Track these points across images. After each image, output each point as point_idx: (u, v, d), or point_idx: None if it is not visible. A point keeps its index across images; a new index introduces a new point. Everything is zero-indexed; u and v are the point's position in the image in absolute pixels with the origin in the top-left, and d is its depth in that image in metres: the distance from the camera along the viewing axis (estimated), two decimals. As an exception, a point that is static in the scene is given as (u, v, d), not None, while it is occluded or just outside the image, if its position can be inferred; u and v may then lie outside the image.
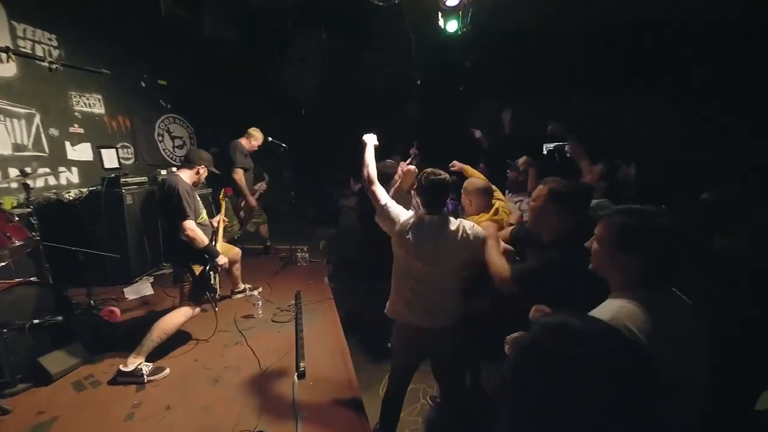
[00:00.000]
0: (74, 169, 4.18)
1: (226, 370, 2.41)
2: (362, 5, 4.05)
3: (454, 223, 1.92)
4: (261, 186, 4.94)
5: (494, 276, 1.74)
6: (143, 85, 5.06)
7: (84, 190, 3.98)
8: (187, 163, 2.66)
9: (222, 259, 2.65)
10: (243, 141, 4.31)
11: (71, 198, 3.97)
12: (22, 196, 3.26)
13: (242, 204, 4.39)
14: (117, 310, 3.11)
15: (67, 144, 4.12)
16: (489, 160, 4.06)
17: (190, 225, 2.42)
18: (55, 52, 4.01)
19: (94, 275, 3.52)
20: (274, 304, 3.35)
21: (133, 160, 4.96)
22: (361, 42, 5.65)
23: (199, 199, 2.71)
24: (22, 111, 3.70)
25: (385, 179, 3.13)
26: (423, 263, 1.89)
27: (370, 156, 2.14)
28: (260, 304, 3.12)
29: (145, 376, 2.26)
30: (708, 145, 4.30)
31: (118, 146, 4.72)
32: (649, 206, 1.12)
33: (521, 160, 3.22)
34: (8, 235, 2.52)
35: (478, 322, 2.14)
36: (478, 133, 4.18)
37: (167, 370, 2.36)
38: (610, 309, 1.07)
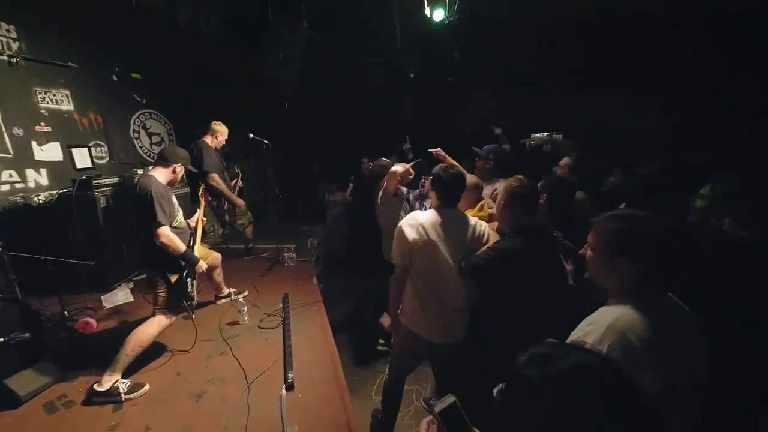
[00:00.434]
0: (43, 171, 3.93)
1: (209, 383, 2.29)
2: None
3: (472, 219, 1.95)
4: (237, 183, 4.57)
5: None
6: (115, 79, 4.78)
7: (54, 192, 3.75)
8: (162, 161, 2.48)
9: (201, 266, 2.51)
10: (208, 139, 3.93)
11: (41, 201, 3.76)
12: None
13: (225, 207, 4.18)
14: (93, 321, 2.94)
15: (34, 144, 3.86)
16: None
17: (164, 231, 2.27)
18: (15, 45, 3.72)
19: (68, 283, 3.33)
20: (261, 308, 3.22)
21: (107, 159, 4.71)
22: (347, 33, 5.46)
23: (175, 200, 2.56)
24: (-21, 109, 3.44)
25: (378, 179, 3.03)
26: (450, 257, 1.86)
27: None
28: (246, 309, 2.99)
29: (122, 395, 2.12)
30: (700, 145, 4.30)
31: (90, 145, 4.47)
32: (642, 211, 1.12)
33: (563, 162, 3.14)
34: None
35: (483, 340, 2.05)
36: (498, 130, 4.02)
37: (146, 387, 2.23)
38: (607, 317, 1.06)
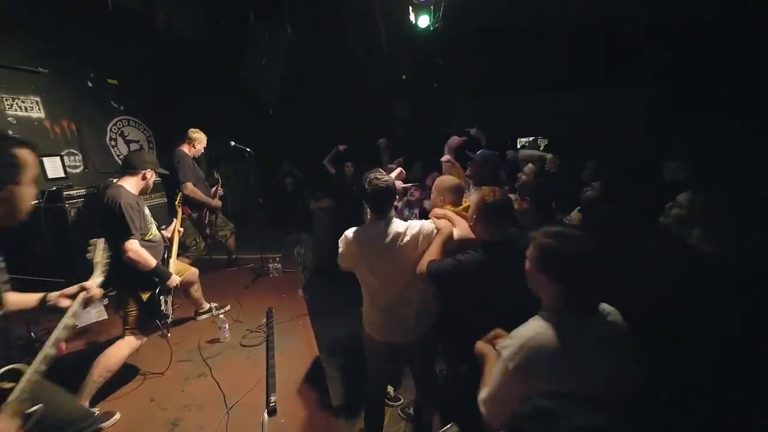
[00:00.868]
0: (10, 182, 3.71)
1: (186, 410, 2.14)
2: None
3: (396, 227, 1.84)
4: (217, 190, 4.23)
5: (417, 268, 1.78)
6: (90, 85, 4.58)
7: (22, 204, 3.55)
8: (130, 169, 2.33)
9: (174, 281, 2.36)
10: (185, 148, 3.75)
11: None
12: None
13: (206, 220, 3.97)
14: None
15: (1, 153, 3.65)
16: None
17: (132, 246, 2.12)
18: (-23, 49, 3.52)
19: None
20: (244, 324, 3.07)
21: (82, 169, 4.49)
22: (331, 36, 5.36)
23: (148, 212, 2.40)
24: (-60, 117, 3.23)
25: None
26: (376, 275, 1.86)
27: None
28: (227, 327, 2.83)
29: (89, 426, 1.95)
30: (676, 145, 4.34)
31: (63, 154, 4.25)
32: (577, 231, 1.17)
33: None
34: None
35: (453, 332, 2.06)
36: (474, 131, 4.01)
37: (117, 416, 2.07)
38: (525, 334, 1.12)
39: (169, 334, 2.43)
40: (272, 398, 2.12)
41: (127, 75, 4.97)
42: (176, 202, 3.14)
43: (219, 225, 4.10)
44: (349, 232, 1.90)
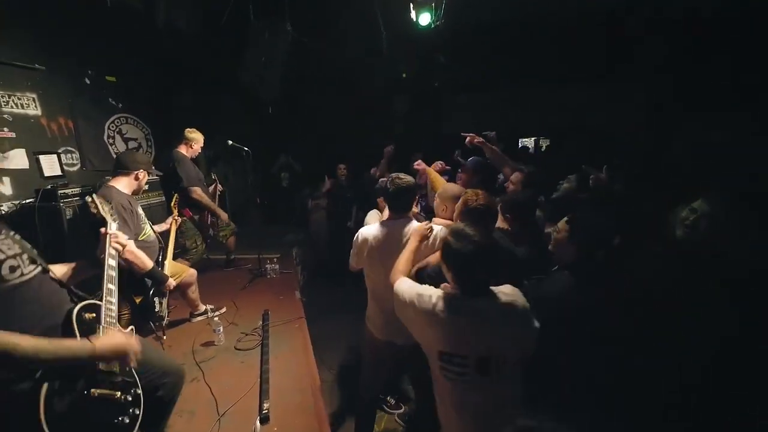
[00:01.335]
0: (6, 179, 3.68)
1: (177, 416, 2.08)
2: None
3: (414, 228, 1.89)
4: (216, 189, 4.23)
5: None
6: (88, 82, 4.55)
7: (16, 203, 3.51)
8: (122, 169, 2.29)
9: (170, 284, 2.32)
10: (183, 149, 3.69)
11: (4, 213, 3.51)
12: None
13: (209, 222, 3.93)
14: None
15: (-5, 151, 3.63)
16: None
17: (128, 247, 2.08)
18: (-26, 46, 3.49)
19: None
20: (239, 327, 3.03)
21: (79, 167, 4.47)
22: (331, 34, 5.31)
23: (142, 212, 2.37)
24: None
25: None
26: (387, 273, 1.83)
27: None
28: (221, 329, 2.79)
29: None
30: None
31: (59, 151, 4.23)
32: (476, 231, 1.39)
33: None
34: None
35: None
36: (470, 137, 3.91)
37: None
38: (427, 289, 1.52)
39: (164, 336, 2.40)
40: (265, 405, 2.08)
41: (126, 72, 4.94)
42: (171, 204, 3.10)
43: (221, 226, 4.08)
44: (365, 231, 1.93)
